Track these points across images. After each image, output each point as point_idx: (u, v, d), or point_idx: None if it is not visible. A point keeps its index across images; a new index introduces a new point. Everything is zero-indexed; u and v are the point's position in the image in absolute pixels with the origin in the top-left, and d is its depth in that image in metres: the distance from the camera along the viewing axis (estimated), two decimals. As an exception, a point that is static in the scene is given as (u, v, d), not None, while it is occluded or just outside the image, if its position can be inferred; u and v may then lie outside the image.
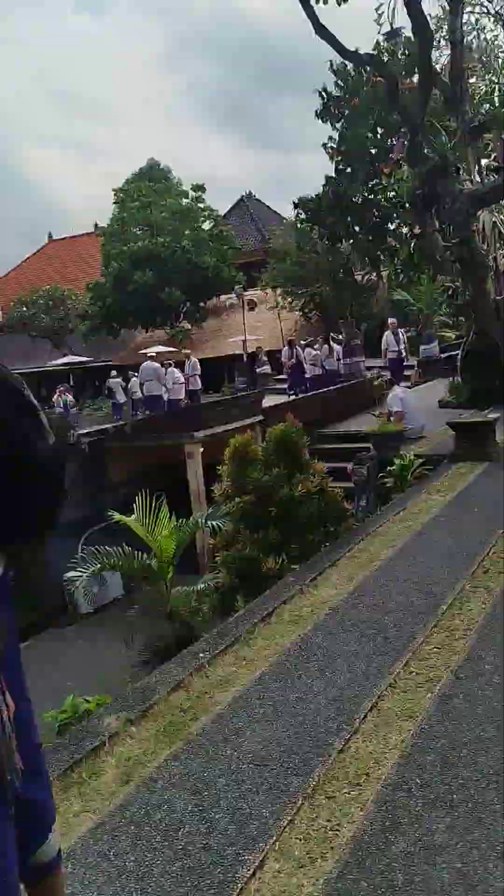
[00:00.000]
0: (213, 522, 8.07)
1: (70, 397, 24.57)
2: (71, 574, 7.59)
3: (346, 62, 18.98)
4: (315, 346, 21.87)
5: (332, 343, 21.73)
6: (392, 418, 10.94)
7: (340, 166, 26.80)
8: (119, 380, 23.04)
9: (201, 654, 4.47)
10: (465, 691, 3.64)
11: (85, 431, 15.45)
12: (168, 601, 7.86)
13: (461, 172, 13.56)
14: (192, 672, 4.21)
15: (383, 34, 17.94)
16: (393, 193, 16.37)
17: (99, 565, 7.60)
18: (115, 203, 32.82)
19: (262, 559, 7.26)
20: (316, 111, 27.06)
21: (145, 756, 3.41)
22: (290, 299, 30.06)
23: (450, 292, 13.59)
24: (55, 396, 23.80)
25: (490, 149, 16.81)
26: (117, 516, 8.23)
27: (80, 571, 7.55)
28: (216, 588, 7.84)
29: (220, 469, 8.35)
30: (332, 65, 26.25)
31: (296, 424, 7.82)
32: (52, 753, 3.42)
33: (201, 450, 14.28)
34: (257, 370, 25.99)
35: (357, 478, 9.85)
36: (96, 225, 37.72)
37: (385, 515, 7.16)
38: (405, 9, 11.20)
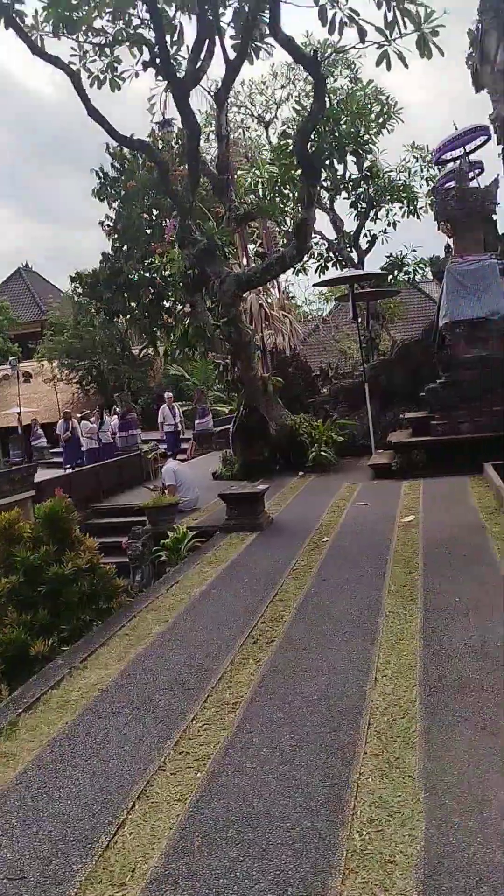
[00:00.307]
0: (-22, 606, 7.49)
1: None
2: None
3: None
4: (91, 419, 21.66)
5: (104, 416, 21.72)
6: (166, 491, 11.01)
7: (117, 244, 27.40)
8: None
9: (-44, 756, 4.05)
10: (235, 766, 3.61)
11: None
12: None
13: (229, 256, 14.35)
14: None
15: (156, 122, 18.89)
16: (168, 272, 16.93)
17: None
18: None
19: (30, 642, 6.83)
20: (93, 190, 27.62)
21: None
22: (67, 371, 29.74)
23: (221, 368, 14.15)
24: None
25: (256, 235, 18.04)
26: None
27: None
28: (-19, 677, 7.23)
29: (-14, 548, 7.83)
30: (108, 147, 27.08)
31: (65, 500, 7.57)
32: None
33: (-32, 527, 13.34)
34: (32, 443, 25.22)
35: (132, 552, 9.70)
36: None
37: (158, 589, 7.09)
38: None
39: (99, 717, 4.37)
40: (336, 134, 17.67)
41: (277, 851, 2.90)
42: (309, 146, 12.10)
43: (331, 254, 23.65)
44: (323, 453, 13.61)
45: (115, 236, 27.32)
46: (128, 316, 28.65)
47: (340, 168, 21.22)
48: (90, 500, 13.42)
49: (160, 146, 23.02)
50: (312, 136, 12.77)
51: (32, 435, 25.45)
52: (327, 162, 19.02)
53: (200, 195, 15.21)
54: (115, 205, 27.41)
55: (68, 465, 20.42)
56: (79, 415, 23.05)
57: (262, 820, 3.13)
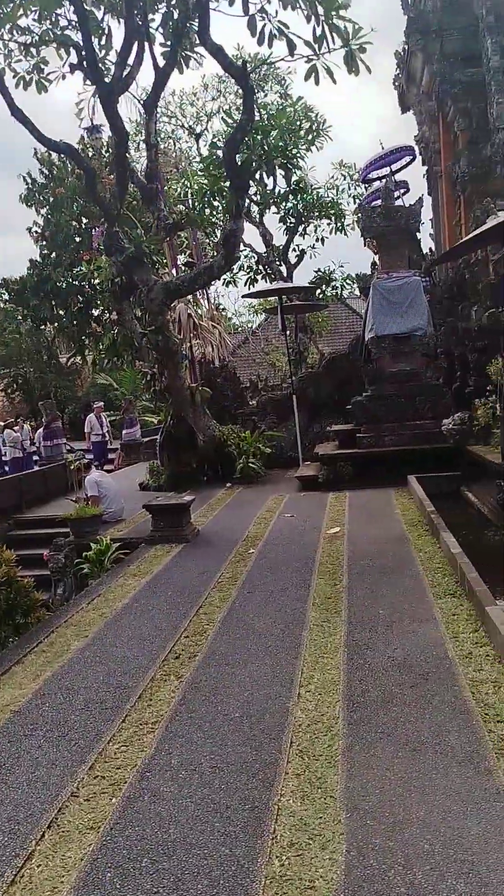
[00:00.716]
0: None
1: None
2: None
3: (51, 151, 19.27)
4: (15, 428, 21.08)
5: (26, 425, 21.21)
6: (89, 502, 10.74)
7: (45, 251, 26.88)
8: None
9: None
10: (151, 791, 3.46)
11: None
12: None
13: (157, 265, 14.19)
14: None
15: (84, 128, 18.62)
16: (97, 280, 16.66)
17: None
18: None
19: None
20: (20, 195, 27.05)
21: None
22: (-9, 379, 29.06)
23: (149, 377, 13.95)
24: None
25: (185, 245, 17.94)
26: None
27: None
28: None
29: None
30: (36, 152, 26.56)
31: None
32: None
33: None
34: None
35: (54, 564, 9.41)
36: None
37: (79, 603, 6.85)
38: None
39: (10, 740, 4.15)
40: (265, 147, 17.76)
41: (193, 881, 2.77)
42: (237, 157, 12.06)
43: (260, 267, 23.79)
44: (251, 465, 13.56)
45: (44, 243, 26.77)
46: (55, 324, 28.12)
47: (270, 182, 21.39)
48: (12, 511, 13.01)
49: (90, 153, 22.71)
50: (241, 148, 12.72)
51: (-47, 444, 24.60)
52: (256, 175, 19.13)
53: (130, 204, 15.03)
54: (43, 211, 26.89)
55: (-10, 476, 19.79)
56: (1, 423, 22.41)
57: (178, 848, 2.99)
